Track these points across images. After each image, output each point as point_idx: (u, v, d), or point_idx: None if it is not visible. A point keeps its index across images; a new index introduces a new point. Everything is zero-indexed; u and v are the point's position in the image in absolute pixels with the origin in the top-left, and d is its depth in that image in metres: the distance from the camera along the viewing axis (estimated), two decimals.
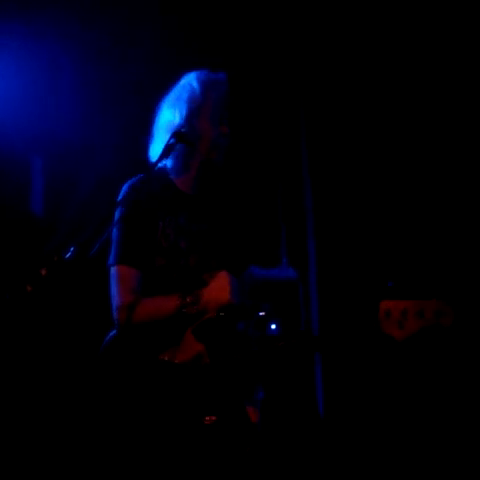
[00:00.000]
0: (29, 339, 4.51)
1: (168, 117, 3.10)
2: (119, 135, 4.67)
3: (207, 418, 2.71)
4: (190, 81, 3.12)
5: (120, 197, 3.04)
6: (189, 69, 3.19)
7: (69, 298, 4.35)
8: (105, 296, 3.05)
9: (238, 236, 3.15)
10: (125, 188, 3.07)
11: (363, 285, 4.61)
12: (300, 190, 5.07)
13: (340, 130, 4.93)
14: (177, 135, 3.00)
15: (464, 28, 4.58)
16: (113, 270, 2.99)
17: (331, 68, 4.93)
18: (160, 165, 3.03)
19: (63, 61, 4.68)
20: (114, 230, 2.98)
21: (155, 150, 3.11)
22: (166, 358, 2.84)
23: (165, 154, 2.95)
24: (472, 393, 4.47)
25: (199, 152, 3.06)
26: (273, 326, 2.98)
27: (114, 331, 3.00)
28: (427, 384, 4.56)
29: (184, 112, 3.05)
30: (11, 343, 4.46)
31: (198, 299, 2.83)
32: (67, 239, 4.45)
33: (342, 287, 4.77)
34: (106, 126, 4.71)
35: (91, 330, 4.56)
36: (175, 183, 3.12)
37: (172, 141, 2.96)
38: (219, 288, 2.84)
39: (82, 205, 4.65)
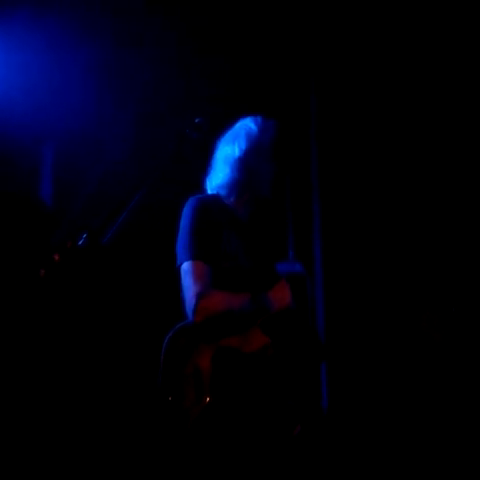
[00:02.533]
0: (41, 323, 4.53)
1: (227, 151, 3.38)
2: (130, 124, 4.68)
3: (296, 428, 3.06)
4: (247, 123, 3.42)
5: (190, 205, 3.28)
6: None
7: (81, 284, 4.37)
8: (116, 283, 3.07)
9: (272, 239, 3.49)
10: (194, 199, 3.31)
11: (369, 280, 4.61)
12: (308, 184, 5.07)
13: (349, 126, 4.92)
14: (190, 125, 3.12)
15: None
16: (187, 265, 3.17)
17: (341, 61, 4.92)
18: (211, 192, 3.39)
19: (76, 50, 4.67)
20: (185, 232, 3.22)
21: (213, 181, 3.41)
22: (235, 347, 3.08)
23: (180, 143, 3.09)
24: (476, 389, 4.48)
25: (251, 185, 3.36)
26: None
27: (181, 323, 3.16)
28: (431, 380, 4.57)
29: (244, 146, 3.35)
30: (22, 326, 4.48)
31: (266, 299, 3.15)
32: (75, 227, 4.46)
33: (348, 282, 4.78)
34: (117, 115, 4.72)
35: (102, 315, 4.64)
36: (230, 207, 3.39)
37: (188, 131, 3.10)
38: (282, 293, 3.20)
39: (91, 194, 4.67)
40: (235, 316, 3.12)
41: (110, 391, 4.60)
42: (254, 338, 3.09)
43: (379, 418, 4.62)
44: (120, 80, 4.77)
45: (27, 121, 4.70)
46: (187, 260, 3.18)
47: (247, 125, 3.41)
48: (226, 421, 3.02)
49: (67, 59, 4.70)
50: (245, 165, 3.33)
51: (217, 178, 3.38)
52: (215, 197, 3.38)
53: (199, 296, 3.11)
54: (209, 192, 3.42)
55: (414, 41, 4.74)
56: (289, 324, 3.17)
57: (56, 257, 2.75)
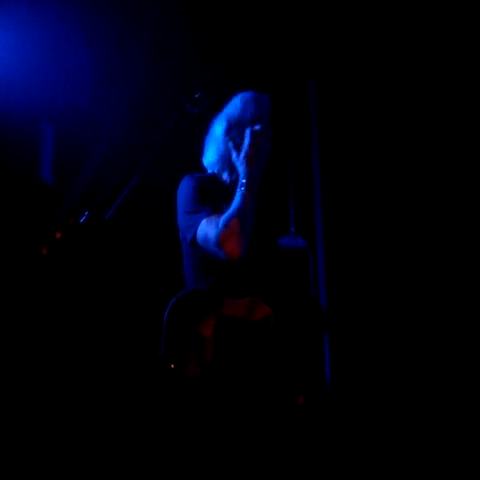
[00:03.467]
0: (43, 301, 4.55)
1: (214, 129, 3.40)
2: (132, 102, 4.68)
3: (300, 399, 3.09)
4: (235, 99, 3.41)
5: (187, 183, 3.29)
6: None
7: (83, 261, 4.38)
8: (118, 258, 3.08)
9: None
10: (189, 177, 3.32)
11: (369, 253, 4.63)
12: (308, 160, 5.08)
13: (350, 103, 4.92)
14: (189, 100, 3.15)
15: None
16: (203, 224, 3.16)
17: (341, 44, 4.91)
18: (210, 172, 3.40)
19: (76, 29, 4.66)
20: (187, 207, 3.23)
21: (205, 160, 3.42)
22: (236, 314, 3.10)
23: (180, 116, 3.12)
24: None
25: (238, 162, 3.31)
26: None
27: (179, 293, 3.17)
28: (434, 364, 4.59)
29: (227, 123, 3.35)
30: (24, 306, 4.50)
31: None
32: (77, 205, 4.48)
33: (349, 257, 4.79)
34: (119, 93, 4.71)
35: (104, 292, 4.66)
36: (226, 185, 3.38)
37: (188, 106, 3.13)
38: None
39: (92, 171, 4.67)
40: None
41: (113, 366, 4.64)
42: (256, 308, 3.11)
43: (381, 391, 4.64)
44: (120, 57, 4.76)
45: (26, 100, 4.69)
46: (202, 217, 3.17)
47: (234, 101, 3.41)
48: (227, 390, 3.05)
49: (66, 38, 4.68)
50: (230, 141, 3.32)
51: (208, 156, 3.40)
52: (211, 176, 3.40)
53: (222, 234, 3.09)
54: (207, 170, 3.43)
55: (414, 26, 4.72)
56: (291, 295, 3.18)
57: (58, 235, 2.76)
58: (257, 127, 3.26)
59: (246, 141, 3.25)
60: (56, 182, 4.89)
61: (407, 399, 4.60)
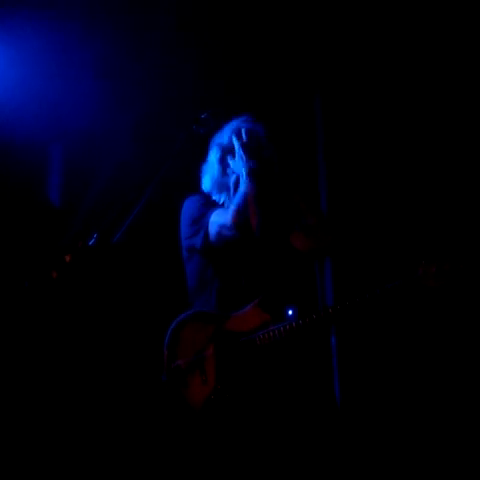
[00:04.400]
0: (53, 323, 4.55)
1: (210, 157, 3.50)
2: (139, 123, 4.69)
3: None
4: (226, 128, 3.48)
5: (192, 201, 3.43)
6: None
7: (93, 284, 4.38)
8: (128, 281, 3.08)
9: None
10: (194, 197, 3.47)
11: (376, 259, 4.63)
12: (314, 161, 5.08)
13: (355, 112, 4.92)
14: (196, 121, 3.18)
15: None
16: (213, 217, 3.30)
17: (346, 64, 4.93)
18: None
19: (84, 48, 4.68)
20: (191, 217, 3.37)
21: (205, 183, 3.50)
22: (236, 328, 3.15)
23: (187, 137, 3.16)
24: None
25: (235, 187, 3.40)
26: (290, 312, 3.21)
27: (183, 314, 3.24)
28: (442, 375, 4.57)
29: (218, 155, 3.45)
30: (32, 330, 4.50)
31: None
32: (85, 227, 4.47)
33: (355, 258, 4.79)
34: (126, 114, 4.72)
35: (114, 314, 4.65)
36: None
37: (195, 127, 3.16)
38: None
39: (101, 193, 4.67)
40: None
41: (118, 384, 4.64)
42: (255, 317, 3.15)
43: (390, 401, 4.63)
44: (127, 77, 4.77)
45: (35, 120, 4.70)
46: (207, 227, 3.28)
47: (225, 129, 3.46)
48: (234, 408, 3.07)
49: (73, 58, 4.70)
50: (221, 167, 3.42)
51: (205, 182, 3.50)
52: (210, 199, 3.47)
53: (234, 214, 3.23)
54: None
55: (416, 45, 4.73)
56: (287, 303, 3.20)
57: (67, 258, 2.76)
58: (244, 126, 3.36)
59: (241, 139, 3.33)
60: (65, 204, 4.90)
61: (416, 415, 4.58)
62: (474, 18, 4.59)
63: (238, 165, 3.32)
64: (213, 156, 3.44)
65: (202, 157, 3.48)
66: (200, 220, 3.31)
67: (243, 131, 3.34)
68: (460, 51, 4.66)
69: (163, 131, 4.35)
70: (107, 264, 3.02)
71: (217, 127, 3.30)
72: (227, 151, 3.39)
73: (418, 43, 4.72)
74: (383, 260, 4.59)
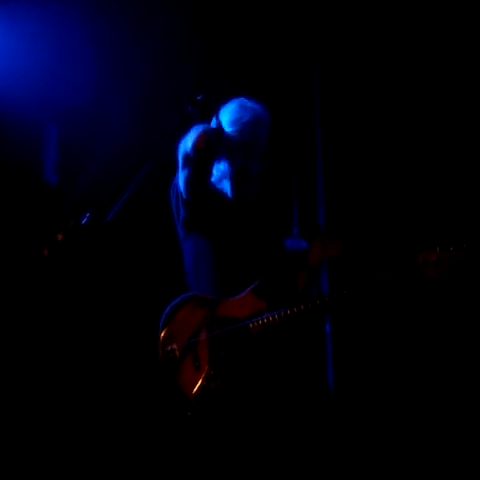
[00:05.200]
0: (45, 301, 4.55)
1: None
2: (134, 104, 4.68)
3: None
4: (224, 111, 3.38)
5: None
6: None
7: (85, 262, 4.39)
8: (122, 261, 3.08)
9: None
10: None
11: (372, 255, 4.62)
12: (312, 160, 5.07)
13: (354, 106, 4.91)
14: (191, 102, 3.13)
15: None
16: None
17: (344, 46, 4.91)
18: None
19: (78, 28, 4.67)
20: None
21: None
22: (230, 314, 3.12)
23: (181, 118, 3.11)
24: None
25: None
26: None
27: (177, 298, 3.22)
28: (438, 362, 4.58)
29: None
30: (25, 306, 4.51)
31: None
32: (80, 207, 4.47)
33: (352, 258, 4.78)
34: (121, 95, 4.71)
35: (107, 294, 4.66)
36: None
37: (190, 108, 3.11)
38: None
39: (96, 173, 4.67)
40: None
41: (112, 368, 4.65)
42: (251, 304, 3.12)
43: (384, 396, 4.64)
44: (123, 58, 4.76)
45: (30, 100, 4.70)
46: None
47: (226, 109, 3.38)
48: (226, 394, 3.06)
49: (69, 39, 4.69)
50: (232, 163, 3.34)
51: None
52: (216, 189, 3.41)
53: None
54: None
55: (416, 26, 4.71)
56: (283, 289, 3.19)
57: (60, 236, 2.76)
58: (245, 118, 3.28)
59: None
60: (60, 183, 4.90)
61: (410, 405, 4.59)
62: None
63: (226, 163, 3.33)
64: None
65: None
66: None
67: (240, 127, 3.28)
68: (458, 40, 4.65)
69: (159, 111, 4.35)
70: (100, 243, 3.02)
71: (213, 108, 3.27)
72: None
73: (418, 37, 4.71)
74: (381, 249, 4.60)
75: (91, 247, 2.83)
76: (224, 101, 3.40)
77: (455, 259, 3.01)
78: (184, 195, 3.25)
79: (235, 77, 4.66)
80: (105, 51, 4.72)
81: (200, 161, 3.17)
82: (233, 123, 3.31)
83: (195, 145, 3.13)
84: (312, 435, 3.11)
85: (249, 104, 3.36)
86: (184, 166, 3.21)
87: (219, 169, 3.35)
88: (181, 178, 3.24)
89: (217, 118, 3.27)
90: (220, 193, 3.36)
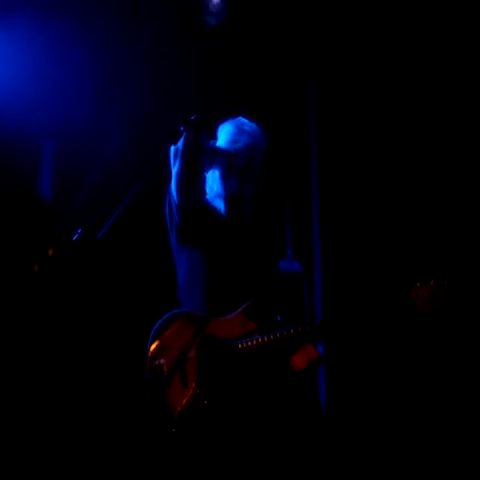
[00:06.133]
0: (35, 317, 4.55)
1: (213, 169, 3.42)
2: (130, 120, 4.70)
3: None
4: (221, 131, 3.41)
5: None
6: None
7: (76, 279, 4.39)
8: (112, 277, 3.07)
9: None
10: None
11: (367, 278, 4.62)
12: (307, 182, 5.08)
13: (349, 126, 4.93)
14: (185, 122, 3.13)
15: None
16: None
17: (341, 64, 4.94)
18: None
19: (75, 45, 4.69)
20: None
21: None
22: (220, 333, 3.11)
23: (173, 139, 3.12)
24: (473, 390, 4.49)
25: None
26: (278, 319, 3.20)
27: (167, 313, 3.21)
28: (429, 379, 4.57)
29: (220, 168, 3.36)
30: (17, 321, 4.50)
31: None
32: (73, 223, 4.48)
33: (346, 280, 4.79)
34: (117, 111, 4.74)
35: (96, 309, 4.65)
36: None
37: (182, 128, 3.11)
38: None
39: (90, 189, 4.69)
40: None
41: (104, 383, 4.64)
42: (240, 324, 3.11)
43: (379, 413, 4.63)
44: (119, 75, 4.79)
45: (27, 116, 4.72)
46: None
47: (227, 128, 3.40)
48: (212, 413, 3.04)
49: (67, 56, 4.71)
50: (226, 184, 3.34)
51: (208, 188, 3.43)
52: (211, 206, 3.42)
53: None
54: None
55: (412, 42, 4.74)
56: (273, 311, 3.18)
57: (50, 252, 2.77)
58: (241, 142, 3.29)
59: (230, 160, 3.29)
60: (55, 198, 4.91)
61: (403, 423, 4.58)
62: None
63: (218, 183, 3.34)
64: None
65: None
66: None
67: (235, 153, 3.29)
68: (457, 42, 4.65)
69: (153, 128, 4.36)
70: (91, 259, 3.03)
71: (207, 128, 3.28)
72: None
73: (414, 38, 4.73)
74: (375, 276, 4.60)
75: (82, 263, 2.83)
76: (221, 120, 3.41)
77: (449, 297, 2.97)
78: (176, 197, 3.25)
79: (232, 95, 4.69)
80: (102, 69, 4.75)
81: (189, 152, 3.15)
82: (229, 145, 3.31)
83: (184, 137, 3.13)
84: (302, 455, 3.09)
85: (246, 127, 3.36)
86: (174, 161, 3.21)
87: (213, 189, 3.36)
88: (173, 176, 3.24)
89: (213, 137, 3.30)
90: (214, 210, 3.37)
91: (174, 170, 3.21)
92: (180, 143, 3.14)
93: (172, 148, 3.20)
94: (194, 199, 3.28)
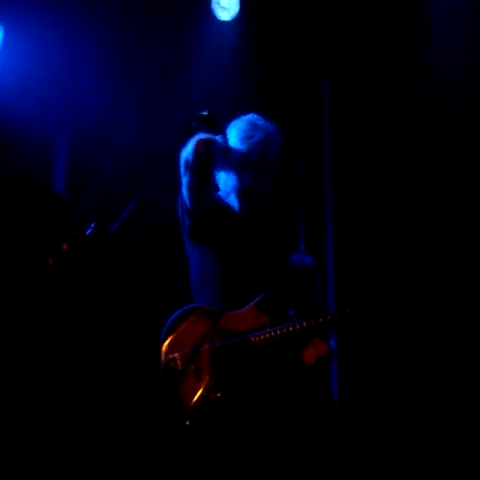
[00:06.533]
0: (49, 310, 4.58)
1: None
2: (142, 115, 4.72)
3: None
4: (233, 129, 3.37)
5: None
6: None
7: (89, 273, 4.41)
8: (126, 271, 3.08)
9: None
10: None
11: (379, 274, 4.62)
12: (320, 177, 5.09)
13: (362, 122, 4.93)
14: (197, 117, 3.15)
15: None
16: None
17: (356, 62, 4.94)
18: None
19: (91, 42, 4.71)
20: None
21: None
22: (233, 327, 3.12)
23: (186, 133, 3.12)
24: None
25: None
26: (291, 313, 3.20)
27: (180, 308, 3.21)
28: (438, 373, 4.57)
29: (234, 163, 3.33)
30: (32, 314, 4.54)
31: None
32: (87, 217, 4.51)
33: (358, 276, 4.79)
34: (130, 107, 4.75)
35: (109, 304, 4.68)
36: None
37: (194, 124, 3.12)
38: None
39: (103, 184, 4.71)
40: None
41: (113, 376, 4.68)
42: (252, 317, 3.12)
43: (391, 407, 4.63)
44: (132, 70, 4.81)
45: (42, 111, 4.75)
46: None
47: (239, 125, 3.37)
48: (226, 406, 3.05)
49: (81, 52, 4.73)
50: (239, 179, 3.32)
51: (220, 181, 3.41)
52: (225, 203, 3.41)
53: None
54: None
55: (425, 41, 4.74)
56: (285, 304, 3.19)
57: (64, 246, 2.79)
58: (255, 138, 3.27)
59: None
60: (69, 192, 4.94)
61: (413, 418, 4.59)
62: None
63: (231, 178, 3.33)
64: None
65: None
66: None
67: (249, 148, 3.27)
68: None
69: (167, 123, 4.37)
70: (105, 254, 3.05)
71: (219, 124, 3.27)
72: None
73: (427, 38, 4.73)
74: (387, 269, 4.60)
75: (95, 257, 2.85)
76: (233, 117, 3.40)
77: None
78: (187, 203, 3.25)
79: (245, 93, 4.70)
80: (114, 64, 4.77)
81: (200, 166, 3.14)
82: (243, 141, 3.30)
83: (194, 150, 3.11)
84: (315, 448, 3.10)
85: (261, 122, 3.35)
86: (185, 172, 3.19)
87: (228, 185, 3.36)
88: (183, 185, 3.23)
89: (224, 134, 3.29)
90: (227, 207, 3.36)
91: (185, 180, 3.21)
92: (190, 154, 3.13)
93: (182, 155, 3.18)
94: (205, 202, 3.27)
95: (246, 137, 3.31)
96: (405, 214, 4.77)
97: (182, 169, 3.20)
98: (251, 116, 3.38)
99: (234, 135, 3.33)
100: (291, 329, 3.05)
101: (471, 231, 4.58)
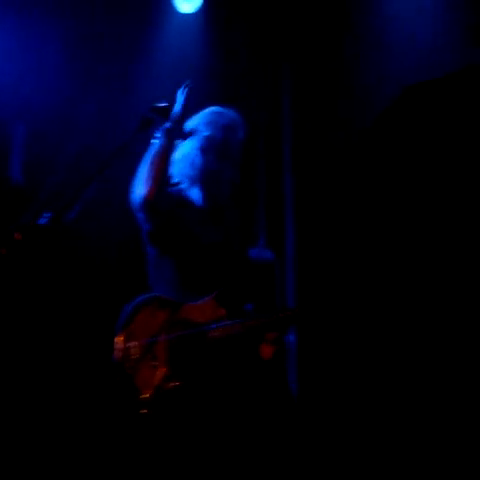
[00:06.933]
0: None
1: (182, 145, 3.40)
2: (102, 102, 4.69)
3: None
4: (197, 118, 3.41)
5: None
6: None
7: (42, 263, 4.38)
8: (78, 262, 3.07)
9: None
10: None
11: (340, 267, 4.64)
12: (279, 169, 5.09)
13: (323, 109, 4.93)
14: (153, 109, 3.18)
15: None
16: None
17: (317, 52, 4.94)
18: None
19: (49, 26, 4.67)
20: None
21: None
22: (192, 318, 3.13)
23: (143, 125, 3.13)
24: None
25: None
26: (248, 307, 3.24)
27: (132, 300, 3.21)
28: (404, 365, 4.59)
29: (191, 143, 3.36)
30: None
31: None
32: (43, 207, 4.47)
33: (319, 269, 4.80)
34: (90, 94, 4.72)
35: (63, 294, 4.65)
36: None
37: (149, 115, 3.14)
38: None
39: (61, 173, 4.67)
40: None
41: (66, 367, 4.65)
42: (209, 310, 3.15)
43: (351, 402, 4.65)
44: (95, 58, 4.77)
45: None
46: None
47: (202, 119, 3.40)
48: (182, 397, 3.06)
49: (41, 37, 4.69)
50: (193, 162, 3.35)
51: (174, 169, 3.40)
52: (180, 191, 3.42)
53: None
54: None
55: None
56: (243, 298, 3.22)
57: (17, 236, 2.76)
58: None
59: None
60: (26, 181, 4.89)
61: (375, 410, 4.60)
62: None
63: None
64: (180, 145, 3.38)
65: None
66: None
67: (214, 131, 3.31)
68: None
69: (126, 112, 4.35)
70: (59, 243, 3.02)
71: (177, 115, 3.26)
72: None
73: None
74: (349, 264, 4.61)
75: (49, 247, 2.83)
76: (195, 110, 3.41)
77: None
78: (140, 195, 3.24)
79: (207, 85, 4.67)
80: (75, 50, 4.73)
81: (154, 213, 3.20)
82: (208, 125, 3.34)
83: (144, 200, 3.16)
84: (273, 440, 3.13)
85: (224, 111, 3.39)
86: (142, 223, 3.25)
87: (189, 175, 3.36)
88: (143, 229, 3.28)
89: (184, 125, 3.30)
90: (188, 200, 3.37)
91: (144, 229, 3.27)
92: (140, 205, 3.18)
93: (135, 197, 3.21)
94: (158, 192, 3.27)
95: (210, 122, 3.35)
96: (367, 205, 4.77)
97: (137, 217, 3.24)
98: (215, 107, 3.42)
99: (199, 121, 3.37)
100: (246, 323, 3.08)
101: (434, 220, 4.59)
